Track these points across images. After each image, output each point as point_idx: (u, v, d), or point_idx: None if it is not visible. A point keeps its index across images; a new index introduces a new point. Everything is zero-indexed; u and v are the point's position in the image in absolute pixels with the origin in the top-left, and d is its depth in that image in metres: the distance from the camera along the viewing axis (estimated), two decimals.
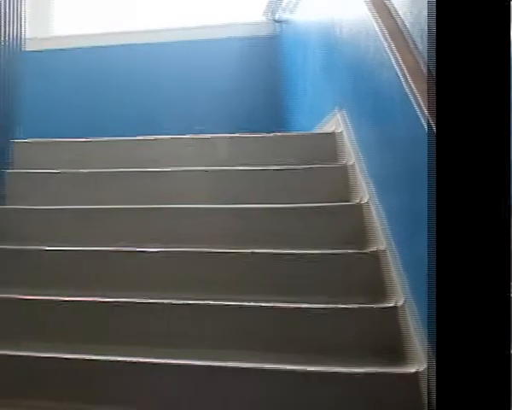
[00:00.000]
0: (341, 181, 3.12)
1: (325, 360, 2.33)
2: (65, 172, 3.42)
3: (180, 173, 3.31)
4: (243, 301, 2.58)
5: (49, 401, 2.34)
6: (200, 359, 2.33)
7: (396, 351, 2.37)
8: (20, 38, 3.91)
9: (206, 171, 3.30)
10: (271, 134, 3.59)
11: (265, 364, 2.29)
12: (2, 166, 3.46)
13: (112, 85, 5.09)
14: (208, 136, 3.61)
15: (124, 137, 3.69)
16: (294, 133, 4.02)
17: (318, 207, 2.97)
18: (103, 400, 2.34)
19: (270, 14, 4.81)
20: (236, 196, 3.14)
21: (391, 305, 2.48)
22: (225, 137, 3.60)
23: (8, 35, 3.63)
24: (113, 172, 3.39)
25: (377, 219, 2.78)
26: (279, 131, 3.83)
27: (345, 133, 3.21)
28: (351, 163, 3.11)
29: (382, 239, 2.71)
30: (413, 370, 2.19)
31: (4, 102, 3.58)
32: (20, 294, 2.74)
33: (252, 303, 2.55)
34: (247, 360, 2.33)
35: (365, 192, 2.88)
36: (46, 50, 5.11)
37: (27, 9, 4.04)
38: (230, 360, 2.33)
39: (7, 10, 3.55)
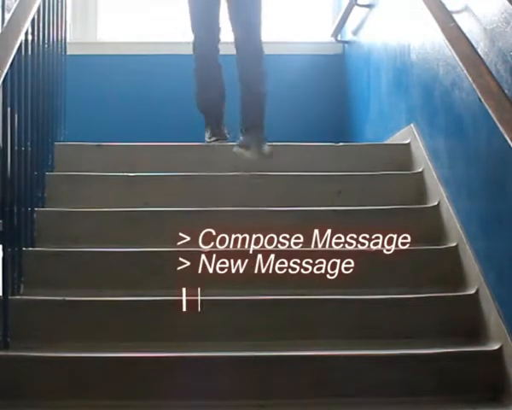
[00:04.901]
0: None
1: (417, 342, 2.74)
2: (106, 175, 3.46)
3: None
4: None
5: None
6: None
7: (479, 332, 2.77)
8: (64, 42, 3.98)
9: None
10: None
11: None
12: (44, 169, 3.42)
13: (167, 93, 5.09)
14: (287, 143, 3.76)
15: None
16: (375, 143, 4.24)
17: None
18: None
19: (338, 35, 5.08)
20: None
21: (471, 292, 2.86)
22: (297, 146, 3.78)
23: (52, 39, 3.64)
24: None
25: (451, 218, 3.17)
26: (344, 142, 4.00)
27: (420, 144, 3.58)
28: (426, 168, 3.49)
29: (456, 236, 3.09)
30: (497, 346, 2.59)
31: (47, 104, 3.55)
32: (61, 295, 2.81)
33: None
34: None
35: (442, 194, 3.25)
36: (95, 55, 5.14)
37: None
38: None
39: (51, 14, 3.55)
